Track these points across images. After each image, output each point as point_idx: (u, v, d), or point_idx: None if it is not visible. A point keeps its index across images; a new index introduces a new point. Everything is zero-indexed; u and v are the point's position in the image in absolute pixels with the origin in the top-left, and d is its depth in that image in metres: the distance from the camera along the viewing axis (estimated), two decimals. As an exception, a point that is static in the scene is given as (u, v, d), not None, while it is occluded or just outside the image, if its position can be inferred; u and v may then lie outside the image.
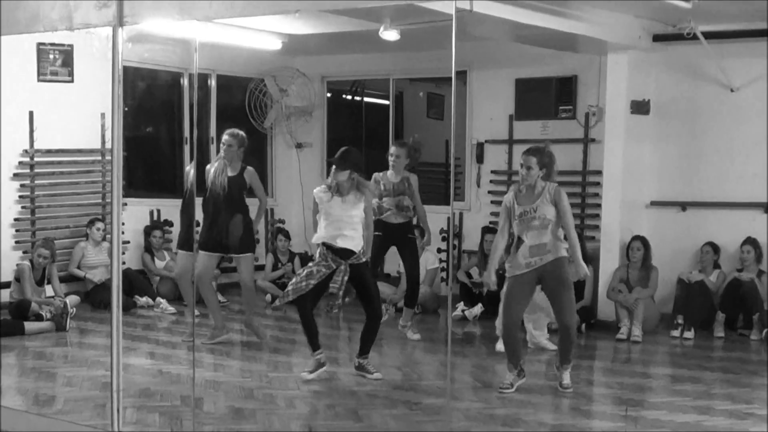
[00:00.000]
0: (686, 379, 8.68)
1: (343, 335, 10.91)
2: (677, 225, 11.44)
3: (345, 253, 8.31)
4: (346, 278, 8.33)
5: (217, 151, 13.37)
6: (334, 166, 8.42)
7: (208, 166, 9.89)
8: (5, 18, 6.58)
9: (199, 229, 10.15)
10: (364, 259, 8.45)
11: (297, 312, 8.56)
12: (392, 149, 10.15)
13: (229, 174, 9.78)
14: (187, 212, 10.09)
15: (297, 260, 12.98)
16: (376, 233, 9.43)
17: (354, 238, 8.37)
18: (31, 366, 8.87)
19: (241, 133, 9.99)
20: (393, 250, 10.15)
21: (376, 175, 10.13)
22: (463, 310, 11.43)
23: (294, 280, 8.44)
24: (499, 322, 9.59)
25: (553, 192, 8.01)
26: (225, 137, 9.82)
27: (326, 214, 8.37)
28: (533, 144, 8.65)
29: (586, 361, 9.45)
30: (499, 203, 12.62)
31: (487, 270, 8.35)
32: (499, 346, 9.57)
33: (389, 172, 10.09)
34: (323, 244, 8.35)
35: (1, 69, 11.01)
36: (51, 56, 11.93)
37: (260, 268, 13.59)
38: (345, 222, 8.33)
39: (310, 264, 8.49)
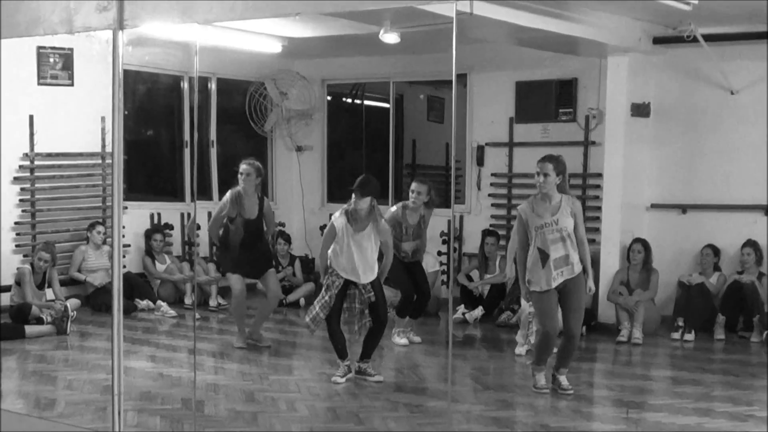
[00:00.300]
0: (687, 382, 8.68)
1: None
2: (678, 227, 11.45)
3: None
4: (370, 296, 8.45)
5: (218, 156, 13.49)
6: (353, 195, 8.37)
7: (228, 196, 9.78)
8: (5, 21, 6.58)
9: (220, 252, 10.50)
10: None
11: (326, 328, 8.62)
12: (414, 186, 10.12)
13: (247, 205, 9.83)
14: (230, 235, 9.94)
15: (297, 263, 13.00)
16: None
17: (372, 270, 8.49)
18: (31, 369, 8.86)
19: (258, 163, 9.98)
20: None
21: (396, 211, 10.12)
22: (463, 313, 11.43)
23: (317, 300, 8.54)
24: (520, 336, 9.66)
25: (572, 204, 8.05)
26: (243, 167, 9.78)
27: (340, 250, 8.40)
28: (547, 153, 8.57)
29: (587, 363, 9.45)
30: (499, 206, 12.75)
31: (522, 291, 8.35)
32: (519, 350, 9.60)
33: (408, 211, 10.08)
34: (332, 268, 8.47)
35: (2, 72, 11.05)
36: (51, 60, 11.94)
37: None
38: (362, 257, 8.40)
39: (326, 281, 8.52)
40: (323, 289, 8.50)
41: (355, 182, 8.44)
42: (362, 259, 8.38)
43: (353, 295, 8.45)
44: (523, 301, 9.40)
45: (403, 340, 10.17)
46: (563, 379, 8.18)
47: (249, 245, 9.82)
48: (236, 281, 9.87)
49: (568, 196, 8.09)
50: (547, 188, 7.97)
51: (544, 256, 7.96)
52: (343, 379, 8.50)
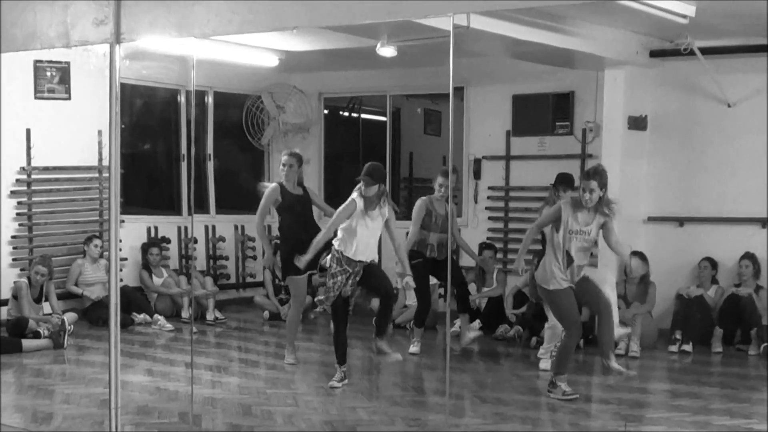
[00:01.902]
0: (685, 395, 8.67)
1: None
2: (675, 240, 11.45)
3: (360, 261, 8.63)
4: (357, 279, 8.62)
5: (215, 169, 13.50)
6: (362, 182, 8.48)
7: (269, 190, 9.60)
8: (2, 36, 6.59)
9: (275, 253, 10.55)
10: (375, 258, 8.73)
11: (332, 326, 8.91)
12: (440, 180, 10.14)
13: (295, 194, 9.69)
14: (284, 228, 9.74)
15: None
16: (419, 260, 9.94)
17: (373, 251, 8.70)
18: (29, 383, 8.84)
19: (298, 151, 9.89)
20: None
21: (425, 199, 10.23)
22: (460, 327, 11.40)
23: (323, 290, 8.85)
24: (543, 352, 9.65)
25: (602, 223, 8.22)
26: (284, 158, 9.68)
27: (351, 230, 8.54)
28: (591, 166, 8.72)
29: (584, 376, 9.43)
30: (496, 219, 12.77)
31: (517, 258, 8.71)
32: (543, 364, 9.57)
33: (436, 201, 10.17)
34: (339, 251, 8.58)
35: (-1, 86, 11.07)
36: (48, 74, 11.95)
37: (259, 284, 13.62)
38: (369, 240, 8.60)
39: (331, 268, 8.63)
40: (328, 278, 8.61)
41: (362, 170, 8.56)
42: (371, 239, 8.62)
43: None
44: (550, 317, 9.50)
45: (415, 348, 10.19)
46: (616, 365, 8.36)
47: (303, 225, 9.48)
48: (301, 286, 9.70)
49: (603, 215, 8.23)
50: (592, 204, 8.17)
51: (569, 260, 8.22)
52: (340, 385, 8.63)
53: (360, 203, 8.50)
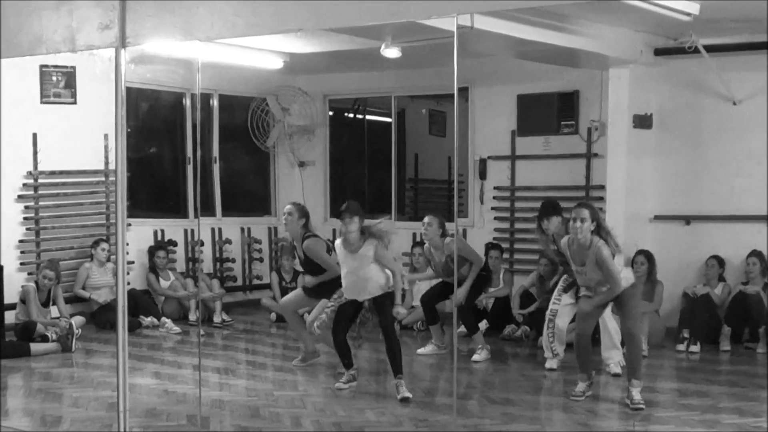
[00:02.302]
0: (693, 393, 8.66)
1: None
2: (681, 239, 11.44)
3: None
4: (366, 313, 8.89)
5: (221, 172, 13.57)
6: (344, 219, 8.54)
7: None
8: (8, 40, 6.60)
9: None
10: (386, 291, 8.68)
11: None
12: (426, 219, 10.08)
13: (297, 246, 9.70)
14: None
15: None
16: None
17: (371, 288, 8.65)
18: (37, 387, 8.85)
19: (299, 204, 9.82)
20: None
21: (425, 247, 10.39)
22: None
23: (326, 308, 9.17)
24: (545, 341, 9.65)
25: (596, 253, 8.12)
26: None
27: (344, 266, 8.73)
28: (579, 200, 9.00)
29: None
30: (502, 219, 12.78)
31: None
32: (550, 363, 9.58)
33: (434, 249, 10.20)
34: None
35: (5, 91, 11.09)
36: (54, 78, 11.97)
37: (266, 286, 13.64)
38: (361, 277, 8.63)
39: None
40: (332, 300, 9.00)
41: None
42: (357, 280, 8.64)
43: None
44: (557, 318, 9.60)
45: (482, 355, 10.18)
46: (634, 393, 8.11)
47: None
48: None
49: (597, 243, 8.14)
50: (583, 234, 8.12)
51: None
52: (346, 386, 8.70)
53: (338, 246, 8.73)
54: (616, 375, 9.34)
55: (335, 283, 9.01)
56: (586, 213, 8.11)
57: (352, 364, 8.82)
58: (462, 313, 10.22)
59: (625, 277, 8.45)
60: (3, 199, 11.40)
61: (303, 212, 9.59)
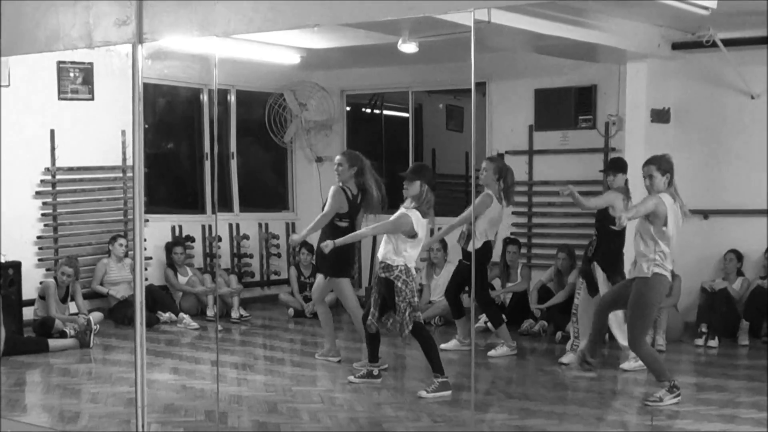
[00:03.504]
0: (711, 388, 8.64)
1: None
2: (700, 233, 11.39)
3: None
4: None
5: (238, 168, 13.56)
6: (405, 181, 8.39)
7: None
8: (26, 36, 6.63)
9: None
10: (392, 274, 8.36)
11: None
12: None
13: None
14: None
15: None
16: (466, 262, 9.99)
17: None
18: (55, 383, 8.89)
19: (351, 151, 9.72)
20: None
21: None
22: (485, 321, 11.39)
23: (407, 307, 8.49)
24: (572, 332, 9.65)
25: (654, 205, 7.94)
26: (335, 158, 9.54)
27: (413, 238, 8.35)
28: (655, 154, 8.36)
29: (610, 371, 9.40)
30: (520, 214, 12.72)
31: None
32: (565, 358, 9.55)
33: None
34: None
35: (23, 87, 11.15)
36: (71, 74, 12.00)
37: (283, 282, 13.66)
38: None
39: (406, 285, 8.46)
40: (411, 294, 8.35)
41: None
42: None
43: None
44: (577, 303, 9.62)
45: (499, 351, 10.13)
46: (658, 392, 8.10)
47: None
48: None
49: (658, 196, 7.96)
50: (655, 190, 7.96)
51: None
52: (357, 380, 8.71)
53: (415, 215, 8.33)
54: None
55: (350, 256, 8.82)
56: (653, 169, 7.98)
57: (376, 359, 8.78)
58: (486, 307, 10.24)
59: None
60: (21, 196, 11.45)
61: (353, 161, 9.33)
